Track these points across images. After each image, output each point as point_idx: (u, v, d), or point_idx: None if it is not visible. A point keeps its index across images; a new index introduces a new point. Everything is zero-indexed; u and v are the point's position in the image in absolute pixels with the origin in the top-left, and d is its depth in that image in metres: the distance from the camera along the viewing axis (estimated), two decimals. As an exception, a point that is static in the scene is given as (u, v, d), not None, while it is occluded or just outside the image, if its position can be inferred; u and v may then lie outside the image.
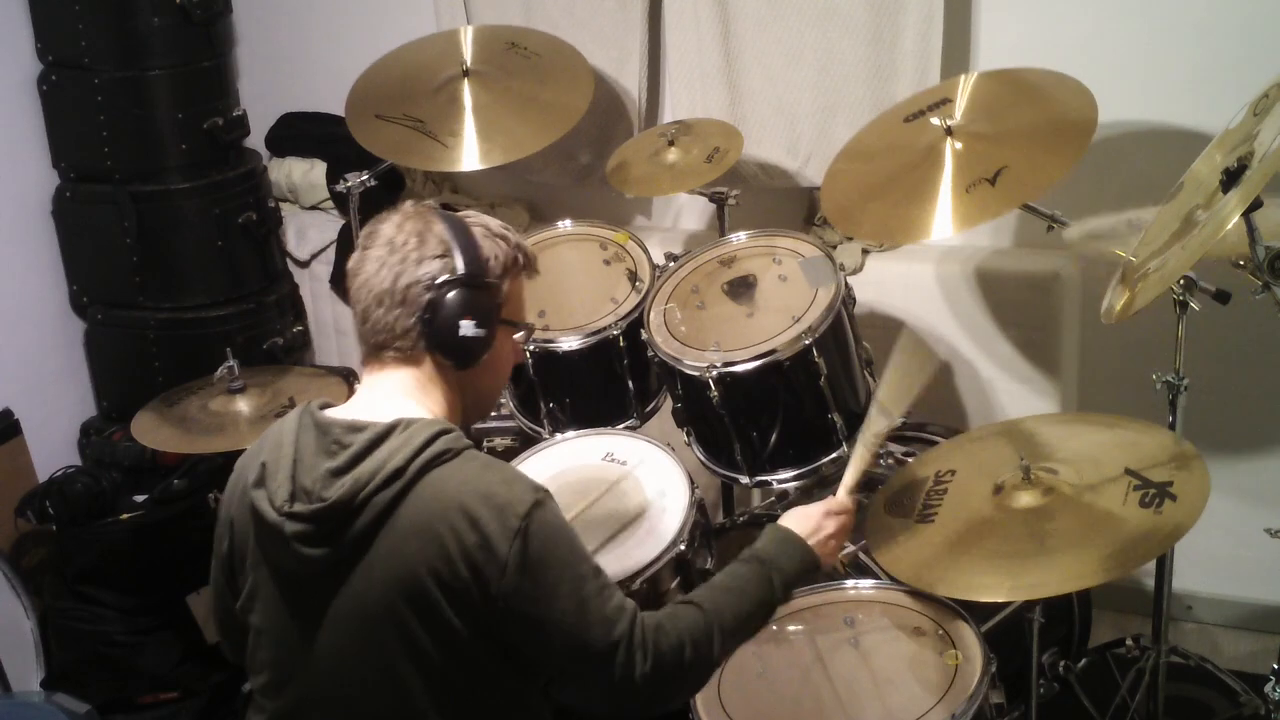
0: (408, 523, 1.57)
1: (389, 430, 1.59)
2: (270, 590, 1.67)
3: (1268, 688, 1.98)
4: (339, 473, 1.58)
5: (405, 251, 1.65)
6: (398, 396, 1.67)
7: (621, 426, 2.59)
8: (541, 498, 1.60)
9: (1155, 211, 2.06)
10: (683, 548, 2.05)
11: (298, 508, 1.59)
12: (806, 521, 1.86)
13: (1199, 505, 1.85)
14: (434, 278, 1.64)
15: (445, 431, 1.61)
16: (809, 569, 1.83)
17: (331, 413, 1.68)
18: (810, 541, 1.84)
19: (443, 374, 1.69)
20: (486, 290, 1.68)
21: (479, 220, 1.73)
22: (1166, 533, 1.84)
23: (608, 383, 2.61)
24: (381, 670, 1.60)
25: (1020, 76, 2.54)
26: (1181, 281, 2.14)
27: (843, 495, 1.96)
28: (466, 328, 1.65)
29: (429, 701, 1.62)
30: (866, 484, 2.51)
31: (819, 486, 2.49)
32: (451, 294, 1.64)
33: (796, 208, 3.19)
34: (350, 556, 1.59)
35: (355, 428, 1.61)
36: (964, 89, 2.51)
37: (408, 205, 1.72)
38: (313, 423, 1.65)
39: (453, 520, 1.55)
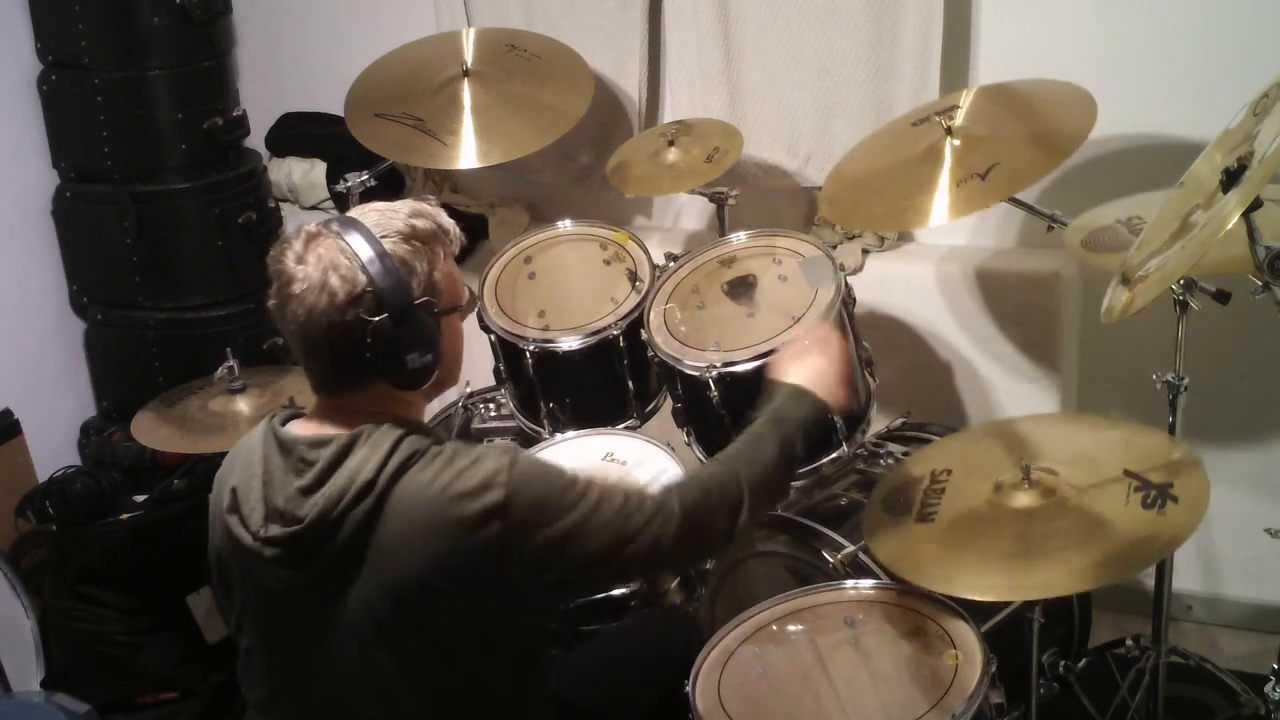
0: (391, 533, 1.54)
1: (352, 442, 1.56)
2: (257, 610, 1.67)
3: (1268, 688, 1.98)
4: (309, 491, 1.55)
5: (326, 293, 1.55)
6: (359, 412, 1.62)
7: (621, 426, 2.60)
8: (511, 457, 1.58)
9: (1157, 204, 2.06)
10: (682, 548, 2.05)
11: (273, 530, 1.56)
12: (809, 374, 1.92)
13: (1201, 506, 1.85)
14: (364, 322, 1.55)
15: (408, 434, 1.58)
16: (824, 416, 1.91)
17: (294, 428, 1.64)
18: (820, 389, 1.91)
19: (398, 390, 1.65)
20: (418, 310, 1.59)
21: (383, 222, 1.61)
22: (1170, 536, 1.83)
23: (608, 383, 2.61)
24: (376, 683, 1.59)
25: (1023, 89, 2.55)
26: (1181, 281, 2.14)
27: (823, 325, 2.05)
28: (414, 360, 1.59)
29: (426, 712, 1.61)
30: (865, 484, 2.52)
31: (819, 486, 2.49)
32: (387, 332, 1.56)
33: (796, 208, 3.18)
34: (333, 573, 1.57)
35: (318, 442, 1.58)
36: (968, 100, 2.52)
37: (307, 229, 1.60)
38: (275, 440, 1.61)
39: (435, 522, 1.53)
